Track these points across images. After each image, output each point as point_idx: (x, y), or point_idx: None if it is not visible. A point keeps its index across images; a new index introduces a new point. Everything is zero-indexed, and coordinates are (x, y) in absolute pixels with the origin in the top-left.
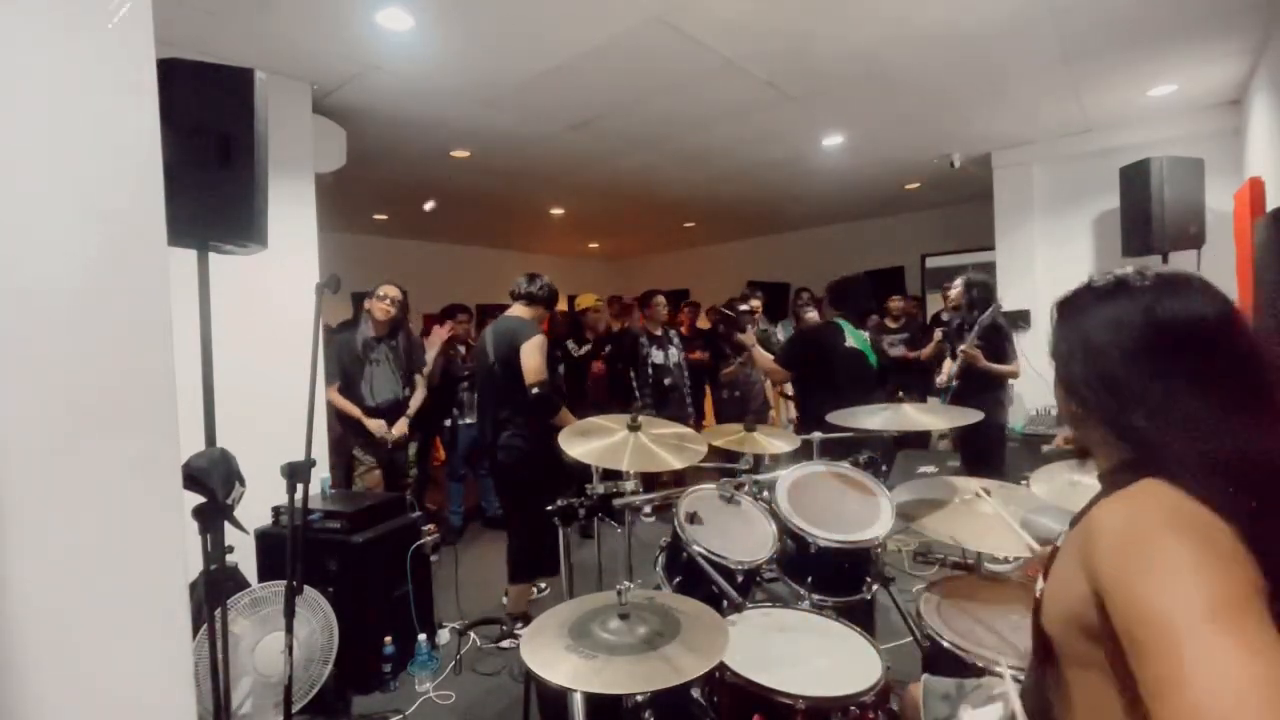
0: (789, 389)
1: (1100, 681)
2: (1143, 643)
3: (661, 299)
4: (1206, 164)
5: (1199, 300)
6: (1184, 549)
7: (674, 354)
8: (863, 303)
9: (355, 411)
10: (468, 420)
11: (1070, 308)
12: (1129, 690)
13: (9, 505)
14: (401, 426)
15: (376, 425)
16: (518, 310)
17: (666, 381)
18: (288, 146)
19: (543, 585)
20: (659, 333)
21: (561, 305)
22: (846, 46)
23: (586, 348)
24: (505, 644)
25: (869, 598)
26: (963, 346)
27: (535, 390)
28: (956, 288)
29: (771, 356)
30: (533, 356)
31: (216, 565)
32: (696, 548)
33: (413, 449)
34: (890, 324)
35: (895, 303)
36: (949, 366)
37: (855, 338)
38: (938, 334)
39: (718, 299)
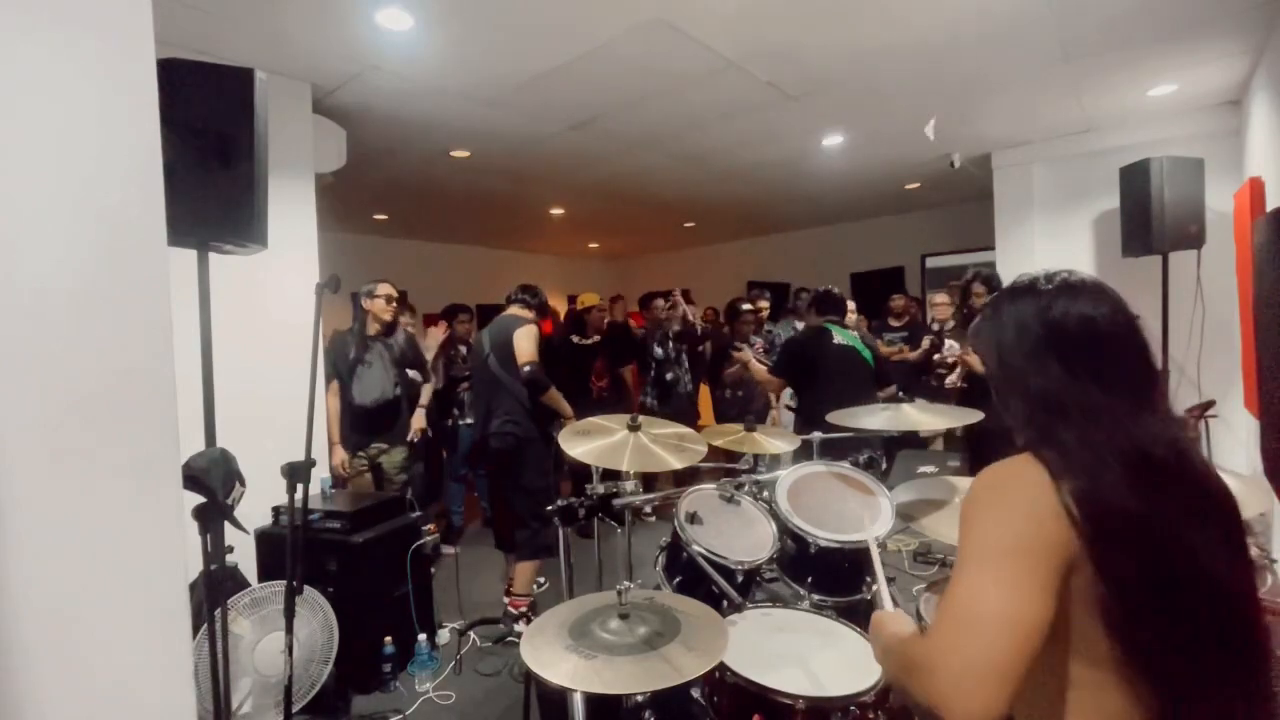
0: (787, 398)
1: None
2: (953, 567)
3: (660, 302)
4: (1206, 164)
5: (1089, 303)
6: (1004, 504)
7: (674, 349)
8: (842, 307)
9: (334, 434)
10: (468, 420)
11: (994, 308)
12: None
13: (9, 505)
14: (419, 419)
15: (338, 462)
16: (514, 310)
17: (668, 377)
18: (288, 146)
19: (541, 580)
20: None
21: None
22: (847, 46)
23: (595, 339)
24: (518, 627)
25: (869, 598)
26: (959, 351)
27: (527, 369)
28: (978, 291)
29: (765, 368)
30: (525, 341)
31: (216, 565)
32: (696, 548)
33: (401, 453)
34: (893, 322)
35: (896, 301)
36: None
37: (844, 335)
38: (926, 340)
39: (717, 299)
